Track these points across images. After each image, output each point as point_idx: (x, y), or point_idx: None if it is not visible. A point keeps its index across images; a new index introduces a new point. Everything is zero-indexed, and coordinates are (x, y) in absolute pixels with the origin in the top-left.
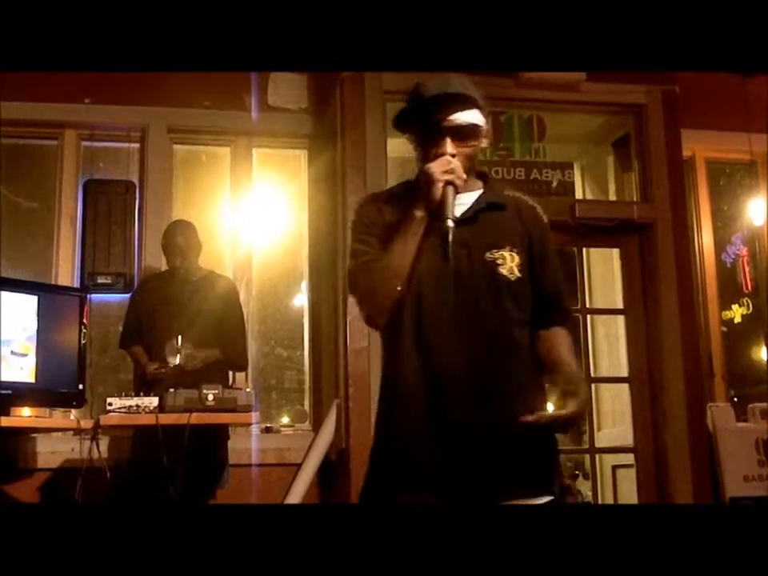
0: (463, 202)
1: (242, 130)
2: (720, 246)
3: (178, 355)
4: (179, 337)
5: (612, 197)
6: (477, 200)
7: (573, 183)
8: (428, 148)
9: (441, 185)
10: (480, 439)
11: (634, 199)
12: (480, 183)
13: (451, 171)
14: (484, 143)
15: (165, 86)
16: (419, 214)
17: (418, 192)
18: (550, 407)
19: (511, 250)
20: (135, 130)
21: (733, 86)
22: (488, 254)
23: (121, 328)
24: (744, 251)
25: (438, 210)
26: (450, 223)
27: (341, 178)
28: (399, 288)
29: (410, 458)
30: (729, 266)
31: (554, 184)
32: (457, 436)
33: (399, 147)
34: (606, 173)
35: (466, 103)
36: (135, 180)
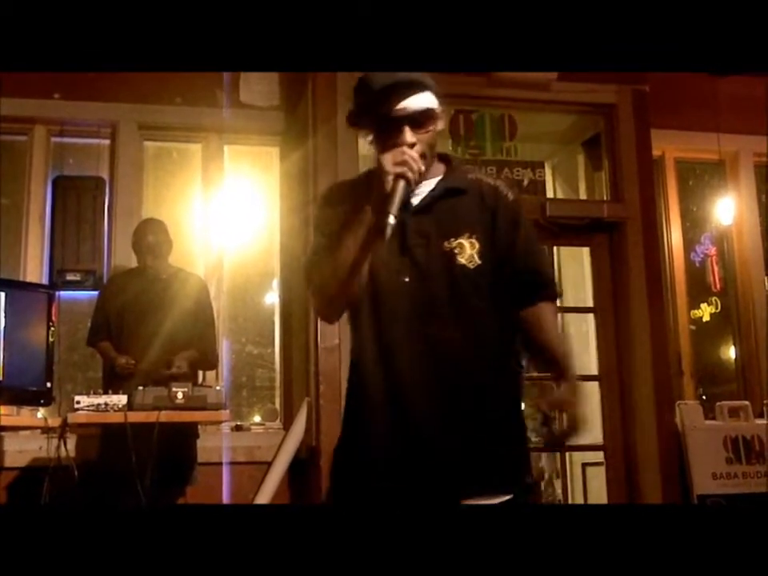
0: (422, 191)
1: (213, 126)
2: (689, 245)
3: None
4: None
5: (582, 196)
6: (435, 186)
7: (544, 182)
8: (386, 140)
9: (390, 178)
10: (438, 437)
11: (604, 198)
12: (442, 168)
13: (404, 163)
14: (441, 125)
15: (135, 82)
16: (366, 208)
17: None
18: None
19: (470, 237)
20: (105, 126)
21: (702, 86)
22: (446, 244)
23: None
24: (713, 251)
25: (383, 204)
26: (391, 219)
27: (312, 175)
28: (348, 282)
29: (370, 462)
30: (698, 265)
31: (525, 183)
32: (415, 432)
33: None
34: (576, 172)
35: (416, 88)
36: (105, 176)
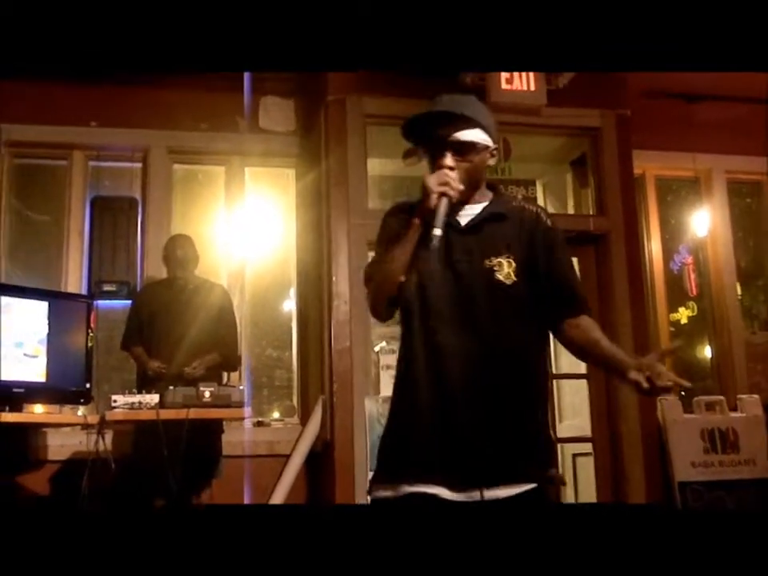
0: (470, 213)
1: (235, 150)
2: (668, 254)
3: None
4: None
5: (570, 210)
6: (480, 211)
7: (536, 198)
8: (433, 160)
9: (435, 196)
10: (477, 429)
11: (591, 213)
12: (489, 195)
13: (445, 183)
14: (490, 161)
15: (165, 110)
16: (416, 222)
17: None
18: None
19: (508, 257)
20: (138, 150)
21: (678, 110)
22: (486, 261)
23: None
24: (689, 260)
25: (430, 219)
26: (438, 232)
27: (325, 194)
28: (395, 287)
29: (416, 447)
30: (676, 272)
31: (520, 199)
32: (457, 427)
33: (379, 166)
34: (565, 189)
35: (467, 122)
36: (138, 196)
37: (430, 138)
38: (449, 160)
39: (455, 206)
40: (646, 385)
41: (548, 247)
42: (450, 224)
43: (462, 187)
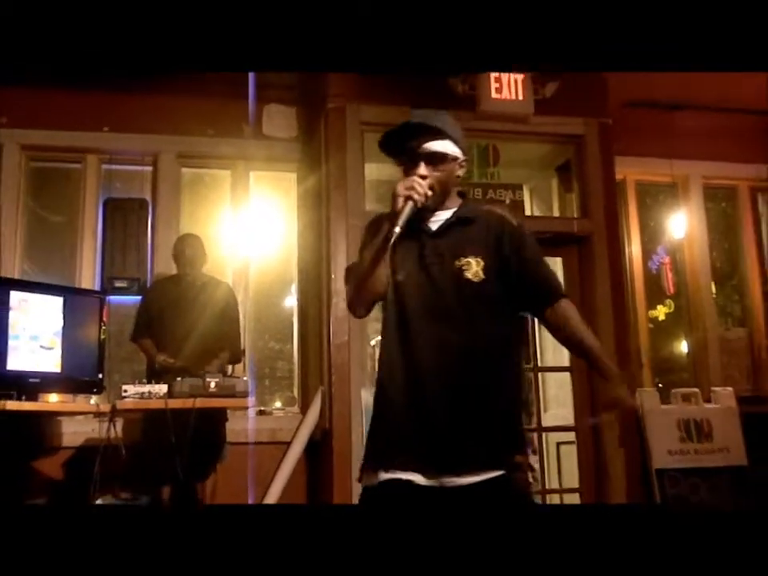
0: (440, 219)
1: (240, 155)
2: (647, 255)
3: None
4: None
5: (556, 213)
6: (449, 216)
7: (523, 202)
8: (407, 170)
9: (401, 199)
10: (449, 417)
11: (575, 215)
12: (459, 201)
13: (411, 188)
14: (459, 171)
15: (174, 116)
16: (386, 225)
17: None
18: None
19: (476, 257)
20: (148, 154)
21: (658, 119)
22: (456, 262)
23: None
24: (667, 260)
25: (393, 219)
26: (397, 229)
27: (325, 197)
28: (372, 285)
29: (392, 436)
30: (654, 272)
31: (507, 202)
32: (429, 416)
33: (375, 171)
34: (550, 193)
35: (439, 134)
36: (148, 198)
37: (404, 149)
38: (422, 169)
39: (426, 212)
40: (621, 403)
41: (516, 247)
42: (422, 229)
43: (429, 193)
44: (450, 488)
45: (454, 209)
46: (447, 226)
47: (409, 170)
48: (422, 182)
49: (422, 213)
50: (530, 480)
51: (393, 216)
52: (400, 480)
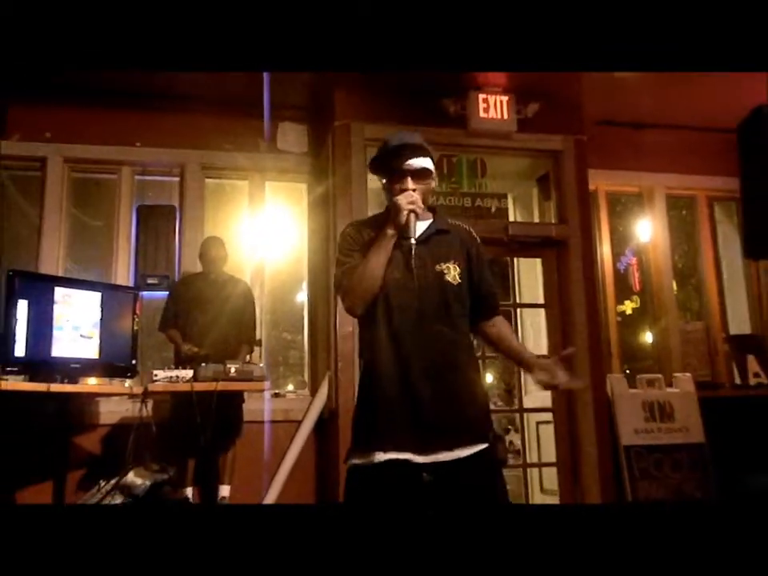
0: (419, 228)
1: (257, 167)
2: (616, 256)
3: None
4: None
5: (536, 219)
6: (429, 226)
7: (507, 209)
8: (394, 185)
9: (405, 212)
10: (436, 401)
11: (553, 221)
12: (430, 214)
13: (413, 202)
14: (434, 185)
15: (199, 133)
16: (390, 232)
17: (388, 218)
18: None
19: (454, 263)
20: (176, 167)
21: (626, 136)
22: (437, 266)
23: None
24: (634, 261)
25: (403, 232)
26: (413, 241)
27: (332, 204)
28: (375, 286)
29: (387, 420)
30: (622, 271)
31: (493, 210)
32: (421, 400)
33: (376, 181)
34: (531, 201)
35: (420, 152)
36: (176, 205)
37: (391, 166)
38: (410, 183)
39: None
40: (547, 384)
41: (479, 260)
42: (406, 237)
43: (423, 206)
44: (442, 463)
45: (429, 220)
46: (428, 235)
47: (395, 184)
48: (417, 195)
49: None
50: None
51: (400, 228)
52: (397, 460)
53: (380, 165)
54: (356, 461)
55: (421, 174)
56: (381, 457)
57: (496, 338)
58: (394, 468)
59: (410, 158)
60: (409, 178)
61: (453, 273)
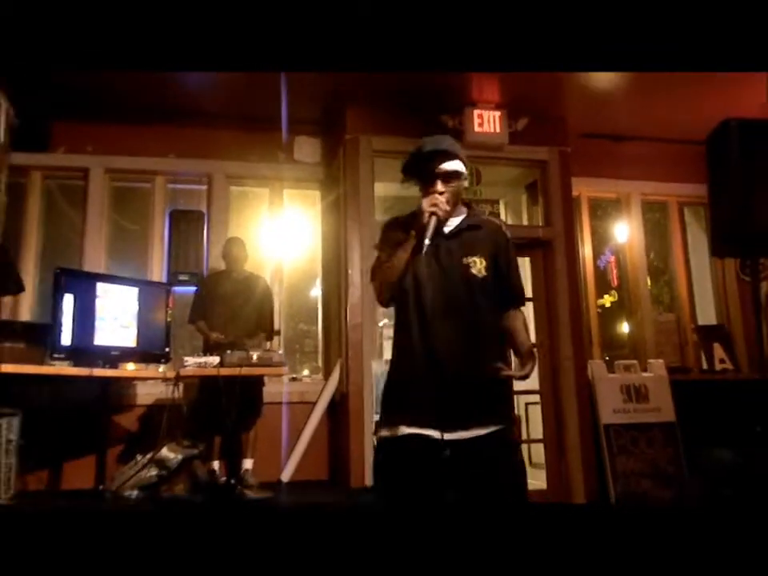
0: (452, 224)
1: (276, 176)
2: (596, 255)
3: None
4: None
5: (525, 222)
6: (461, 222)
7: (499, 213)
8: (426, 187)
9: (426, 215)
10: (457, 383)
11: (540, 224)
12: (465, 210)
13: (435, 205)
14: (466, 184)
15: (225, 146)
16: (412, 233)
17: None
18: (514, 365)
19: (480, 257)
20: (204, 176)
21: (606, 148)
22: (464, 259)
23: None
24: (612, 259)
25: (422, 233)
26: (427, 241)
27: (343, 209)
28: (393, 282)
29: (412, 398)
30: (602, 269)
31: (487, 214)
32: (443, 381)
33: (382, 189)
34: (521, 206)
35: (451, 156)
36: (204, 210)
37: (422, 170)
38: (440, 186)
39: (443, 220)
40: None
41: (506, 253)
42: (438, 232)
43: (448, 208)
44: (460, 440)
45: (463, 216)
46: (459, 230)
47: (427, 186)
48: (441, 198)
49: (440, 222)
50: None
51: (421, 230)
52: (420, 435)
53: (414, 169)
54: (383, 433)
55: (451, 177)
56: (405, 430)
57: (507, 329)
58: (416, 441)
59: (440, 163)
60: (439, 181)
61: (478, 266)
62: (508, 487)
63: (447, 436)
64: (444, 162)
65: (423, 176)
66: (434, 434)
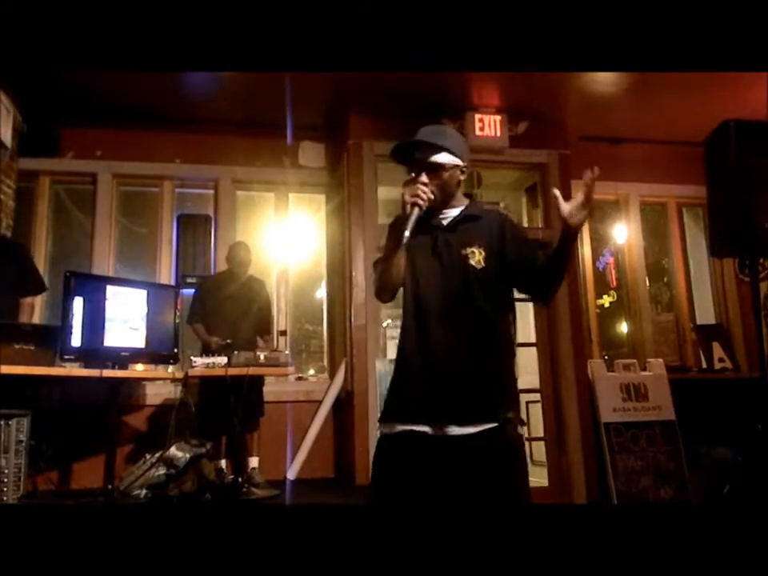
0: (450, 216)
1: (281, 181)
2: (596, 256)
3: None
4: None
5: (525, 224)
6: (459, 213)
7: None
8: (413, 176)
9: (408, 205)
10: (452, 379)
11: (540, 226)
12: (466, 202)
13: (415, 195)
14: (461, 176)
15: (231, 151)
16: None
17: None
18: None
19: (479, 247)
20: (211, 180)
21: (605, 150)
22: (462, 251)
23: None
24: (611, 260)
25: (402, 224)
26: (407, 233)
27: (347, 213)
28: (388, 274)
29: (408, 395)
30: (601, 269)
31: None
32: (438, 377)
33: (386, 192)
34: (521, 209)
35: (437, 148)
36: (211, 214)
37: (410, 160)
38: (423, 177)
39: (436, 211)
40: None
41: (513, 237)
42: (436, 225)
43: (432, 197)
44: (451, 436)
45: (462, 207)
46: (457, 221)
47: (414, 176)
48: (425, 188)
49: (433, 212)
50: (520, 432)
51: (403, 221)
52: (413, 431)
53: (399, 158)
54: (382, 430)
55: (434, 169)
56: (400, 427)
57: (550, 260)
58: (411, 438)
59: (425, 154)
60: (423, 173)
61: (477, 257)
62: (497, 486)
63: (439, 432)
64: (430, 154)
65: (410, 165)
66: (427, 430)
